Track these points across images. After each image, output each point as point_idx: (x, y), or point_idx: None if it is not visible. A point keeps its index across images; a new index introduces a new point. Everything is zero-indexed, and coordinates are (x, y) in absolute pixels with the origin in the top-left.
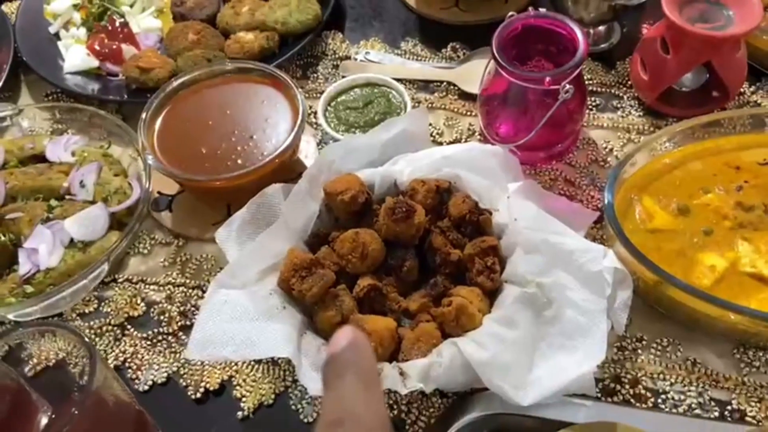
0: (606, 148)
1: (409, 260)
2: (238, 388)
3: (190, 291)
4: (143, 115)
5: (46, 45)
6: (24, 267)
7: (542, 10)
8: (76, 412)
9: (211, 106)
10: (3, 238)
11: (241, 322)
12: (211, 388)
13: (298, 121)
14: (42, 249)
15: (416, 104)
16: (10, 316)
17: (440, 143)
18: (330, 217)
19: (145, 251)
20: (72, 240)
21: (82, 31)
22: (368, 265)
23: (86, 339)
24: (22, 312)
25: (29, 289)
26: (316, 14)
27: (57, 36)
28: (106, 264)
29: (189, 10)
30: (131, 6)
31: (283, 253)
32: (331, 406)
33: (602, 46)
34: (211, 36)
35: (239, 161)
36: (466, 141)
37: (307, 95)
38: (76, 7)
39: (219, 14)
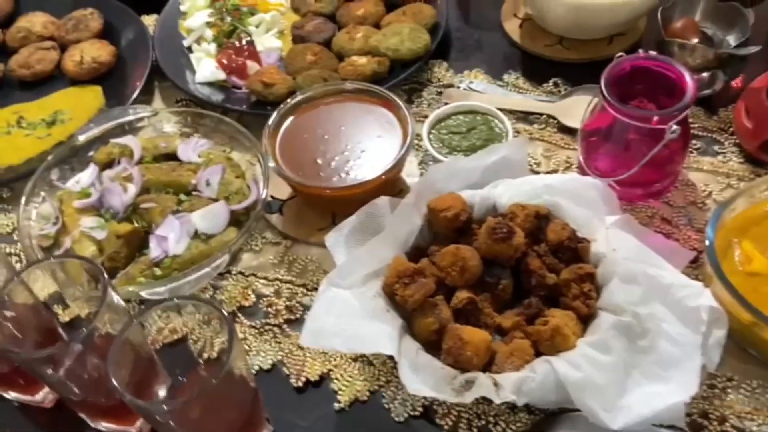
0: (704, 191)
1: (504, 279)
2: (335, 381)
3: (297, 288)
4: (268, 124)
5: (178, 56)
6: (154, 252)
7: (652, 52)
8: (214, 380)
9: (328, 121)
10: (137, 224)
11: (349, 318)
12: (312, 379)
13: (408, 141)
14: (171, 237)
15: (516, 134)
16: (143, 294)
17: (537, 173)
18: (430, 232)
19: (257, 248)
20: (196, 232)
21: (213, 47)
22: (466, 279)
23: (224, 312)
24: (151, 291)
25: (158, 271)
26: (426, 44)
27: (189, 49)
28: (228, 255)
29: (308, 33)
30: (257, 26)
31: (387, 260)
32: None
33: (705, 92)
34: (327, 58)
35: (350, 174)
36: (563, 173)
37: None
38: (209, 24)
39: (335, 38)
